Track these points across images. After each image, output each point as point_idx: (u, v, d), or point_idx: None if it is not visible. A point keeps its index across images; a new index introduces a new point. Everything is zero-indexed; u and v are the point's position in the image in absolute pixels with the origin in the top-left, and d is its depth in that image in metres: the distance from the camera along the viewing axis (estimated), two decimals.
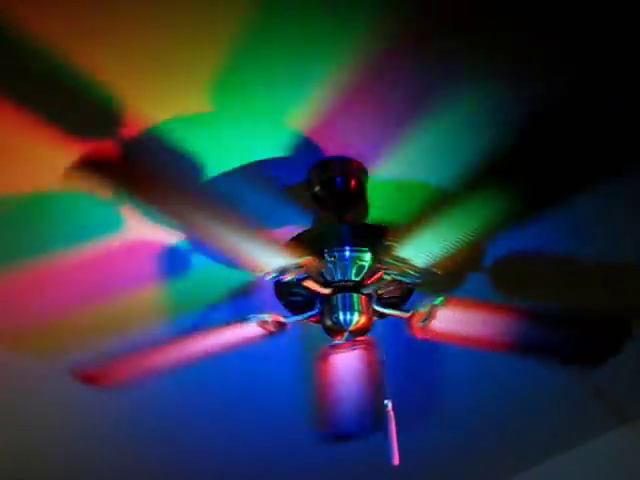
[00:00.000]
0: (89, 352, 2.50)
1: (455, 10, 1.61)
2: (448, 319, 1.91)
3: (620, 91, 1.80)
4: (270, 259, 1.78)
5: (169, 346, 2.08)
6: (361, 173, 2.02)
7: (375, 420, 2.22)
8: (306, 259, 1.80)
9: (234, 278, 2.35)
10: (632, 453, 3.35)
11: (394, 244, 1.73)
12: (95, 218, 2.10)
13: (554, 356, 2.17)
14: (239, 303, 2.47)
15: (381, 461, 1.94)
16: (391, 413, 1.97)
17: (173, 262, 2.31)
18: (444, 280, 1.88)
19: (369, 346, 2.01)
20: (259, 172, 2.03)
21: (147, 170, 1.77)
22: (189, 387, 2.96)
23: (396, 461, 1.90)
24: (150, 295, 2.43)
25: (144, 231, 2.14)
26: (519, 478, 3.79)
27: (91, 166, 1.56)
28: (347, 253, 1.90)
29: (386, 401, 2.00)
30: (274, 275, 1.83)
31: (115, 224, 2.13)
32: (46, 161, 1.90)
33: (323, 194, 2.04)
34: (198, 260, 2.30)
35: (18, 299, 2.38)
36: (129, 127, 1.85)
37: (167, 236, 2.17)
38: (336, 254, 1.90)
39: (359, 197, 2.07)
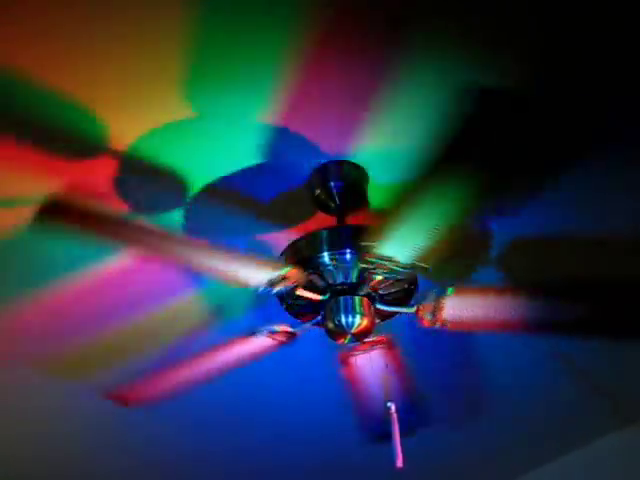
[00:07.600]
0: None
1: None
2: (457, 307, 1.84)
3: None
4: (254, 274, 1.81)
5: (183, 365, 2.09)
6: (362, 175, 2.04)
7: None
8: (289, 270, 1.83)
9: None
10: (633, 455, 3.35)
11: (372, 243, 1.71)
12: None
13: (568, 329, 2.01)
14: (255, 315, 2.46)
15: (385, 464, 1.93)
16: (394, 416, 1.96)
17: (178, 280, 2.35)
18: (452, 273, 1.84)
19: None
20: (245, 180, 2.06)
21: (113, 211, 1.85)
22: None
23: (400, 464, 1.89)
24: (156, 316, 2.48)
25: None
26: None
27: (54, 212, 1.63)
28: (326, 259, 1.90)
29: (389, 404, 1.99)
30: (264, 288, 1.85)
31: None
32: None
33: (324, 197, 2.06)
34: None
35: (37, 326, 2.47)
36: (111, 148, 1.91)
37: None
38: (321, 260, 1.89)
39: (360, 199, 2.09)
